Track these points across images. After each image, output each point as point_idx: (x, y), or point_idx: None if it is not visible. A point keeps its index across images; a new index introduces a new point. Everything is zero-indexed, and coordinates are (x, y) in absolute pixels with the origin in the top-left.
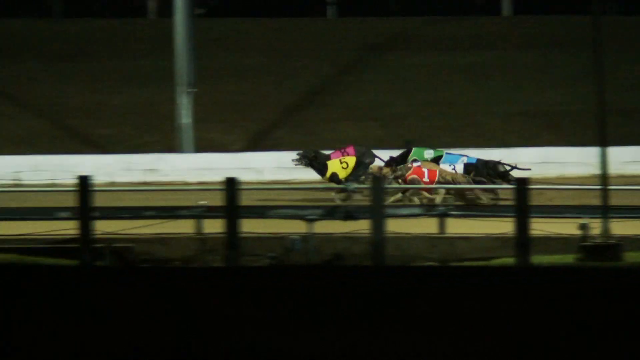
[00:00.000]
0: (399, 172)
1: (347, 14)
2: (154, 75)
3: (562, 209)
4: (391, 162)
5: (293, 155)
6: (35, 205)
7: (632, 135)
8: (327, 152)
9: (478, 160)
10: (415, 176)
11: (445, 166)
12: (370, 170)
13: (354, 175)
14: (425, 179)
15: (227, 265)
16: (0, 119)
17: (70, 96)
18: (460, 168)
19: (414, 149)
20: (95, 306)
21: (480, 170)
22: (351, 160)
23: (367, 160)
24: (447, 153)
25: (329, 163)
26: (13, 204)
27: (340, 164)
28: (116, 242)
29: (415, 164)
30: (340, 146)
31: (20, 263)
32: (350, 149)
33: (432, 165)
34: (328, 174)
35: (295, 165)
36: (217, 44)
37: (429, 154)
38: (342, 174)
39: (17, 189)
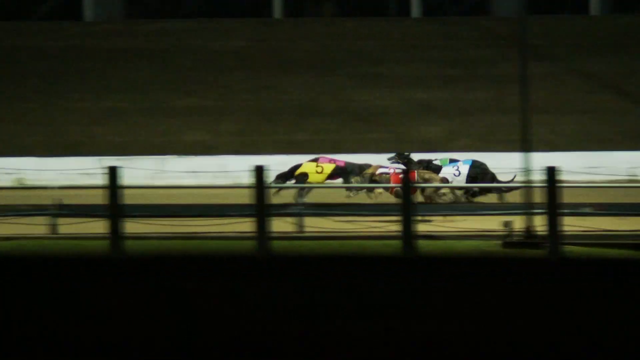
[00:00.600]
0: (377, 177)
1: None
2: None
3: None
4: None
5: None
6: None
7: None
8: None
9: (474, 161)
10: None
11: (448, 169)
12: (369, 171)
13: (347, 180)
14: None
15: None
16: (615, 115)
17: None
18: (464, 170)
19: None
20: None
21: (477, 172)
22: (327, 167)
23: (352, 175)
24: (450, 159)
25: (303, 163)
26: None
27: (315, 167)
28: None
29: (397, 171)
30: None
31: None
32: (341, 162)
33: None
34: (297, 172)
35: None
36: None
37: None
38: (315, 178)
39: (634, 184)
